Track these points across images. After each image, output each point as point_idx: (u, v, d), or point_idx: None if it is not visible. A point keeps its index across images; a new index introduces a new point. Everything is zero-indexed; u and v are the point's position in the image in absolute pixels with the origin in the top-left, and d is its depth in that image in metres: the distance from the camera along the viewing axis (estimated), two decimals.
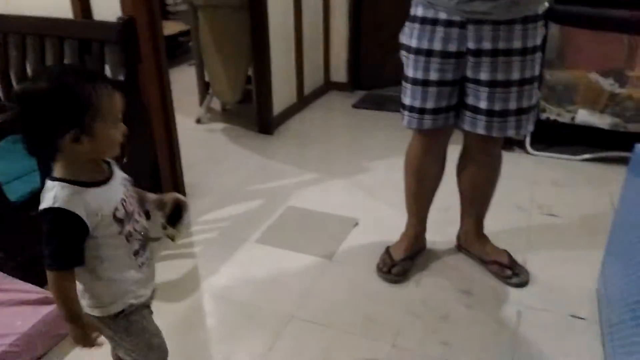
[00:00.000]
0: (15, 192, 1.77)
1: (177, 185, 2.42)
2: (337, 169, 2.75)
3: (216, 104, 3.56)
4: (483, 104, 1.59)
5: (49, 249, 1.01)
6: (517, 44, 1.52)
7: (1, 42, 2.36)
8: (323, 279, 1.91)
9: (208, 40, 3.17)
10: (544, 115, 2.78)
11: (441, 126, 1.69)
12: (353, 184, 2.59)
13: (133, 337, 1.17)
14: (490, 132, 1.64)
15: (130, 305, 1.14)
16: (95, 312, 1.13)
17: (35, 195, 1.78)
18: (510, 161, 2.78)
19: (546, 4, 1.58)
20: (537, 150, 2.85)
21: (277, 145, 3.07)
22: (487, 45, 1.51)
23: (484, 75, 1.55)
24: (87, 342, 1.09)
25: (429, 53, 1.58)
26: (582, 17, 2.70)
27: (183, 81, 3.82)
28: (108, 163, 1.12)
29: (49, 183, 1.03)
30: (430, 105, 1.63)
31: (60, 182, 1.01)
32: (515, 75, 1.54)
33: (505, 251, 1.94)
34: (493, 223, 2.22)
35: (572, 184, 2.54)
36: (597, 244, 1.93)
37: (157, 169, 2.29)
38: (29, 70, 2.34)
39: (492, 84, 1.56)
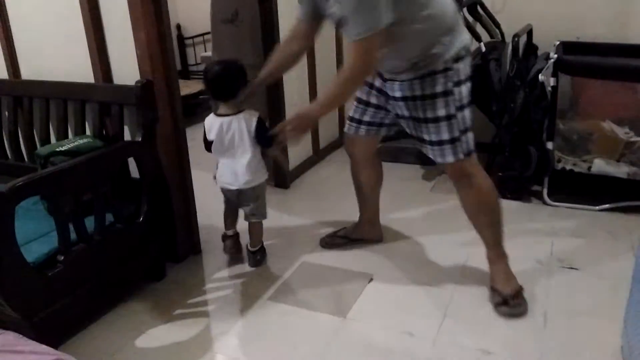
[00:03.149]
0: (32, 253, 1.80)
1: (193, 241, 2.44)
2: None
3: None
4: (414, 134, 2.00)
5: (268, 133, 2.10)
6: (418, 92, 1.86)
7: (27, 106, 2.47)
8: (337, 339, 1.87)
9: None
10: (559, 165, 2.76)
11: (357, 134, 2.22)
12: (367, 245, 2.57)
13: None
14: (432, 157, 1.99)
15: None
16: (266, 175, 2.25)
17: (52, 257, 1.83)
18: (528, 212, 2.77)
19: (445, 62, 1.82)
20: (555, 200, 2.81)
21: (292, 199, 3.09)
22: (398, 94, 1.92)
23: (406, 113, 1.95)
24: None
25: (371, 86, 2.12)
26: (593, 67, 2.72)
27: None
28: None
29: (241, 113, 2.13)
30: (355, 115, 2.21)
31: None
32: (421, 114, 1.89)
33: (513, 283, 2.01)
34: None
35: (592, 235, 2.49)
36: (620, 298, 1.87)
37: (173, 225, 2.31)
38: (52, 133, 2.43)
39: (408, 118, 1.95)
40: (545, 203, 2.81)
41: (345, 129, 2.28)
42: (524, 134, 2.86)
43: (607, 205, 2.72)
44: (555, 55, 2.69)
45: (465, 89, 1.87)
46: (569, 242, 2.43)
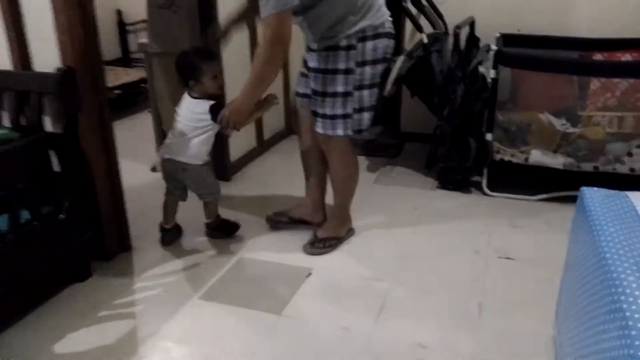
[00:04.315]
0: None
1: (123, 238, 2.32)
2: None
3: None
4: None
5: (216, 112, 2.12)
6: (322, 65, 2.01)
7: None
8: (271, 338, 1.80)
9: (163, 87, 3.12)
10: (498, 156, 2.79)
11: (298, 105, 2.33)
12: (310, 231, 2.51)
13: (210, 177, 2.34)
14: (321, 130, 2.13)
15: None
16: (199, 161, 2.26)
17: None
18: (468, 203, 2.79)
19: (347, 39, 1.96)
20: (494, 191, 2.83)
21: (234, 191, 3.00)
22: (311, 64, 2.07)
23: (312, 85, 2.09)
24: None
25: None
26: (531, 60, 2.75)
27: (143, 128, 3.75)
28: None
29: (196, 100, 2.19)
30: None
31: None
32: (320, 88, 2.03)
33: (330, 232, 2.33)
34: (450, 269, 2.18)
35: (529, 225, 2.52)
36: (554, 287, 1.89)
37: (99, 222, 2.18)
38: None
39: (313, 92, 2.09)
40: (484, 194, 2.84)
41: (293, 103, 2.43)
42: (465, 126, 2.87)
43: (544, 195, 2.76)
44: (496, 48, 2.70)
45: (369, 70, 2.00)
46: (506, 232, 2.45)
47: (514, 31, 3.12)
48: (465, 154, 2.82)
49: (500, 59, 2.69)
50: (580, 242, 1.47)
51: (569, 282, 1.58)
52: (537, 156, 2.70)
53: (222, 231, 2.46)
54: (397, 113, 3.72)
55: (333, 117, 2.04)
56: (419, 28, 2.82)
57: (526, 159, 2.73)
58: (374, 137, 3.68)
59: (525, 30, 3.14)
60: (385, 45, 2.01)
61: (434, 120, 3.10)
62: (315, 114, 2.11)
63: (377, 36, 1.97)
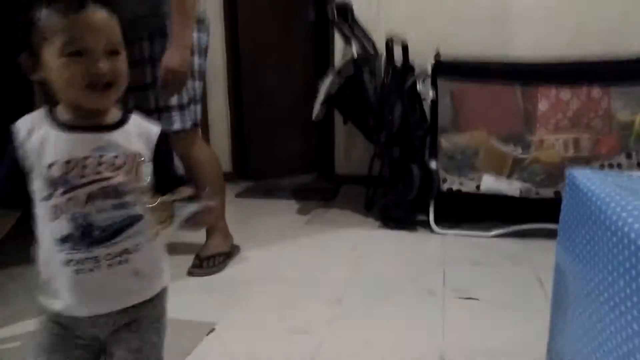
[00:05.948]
0: None
1: None
2: None
3: None
4: None
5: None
6: (147, 54, 1.82)
7: None
8: None
9: None
10: (445, 186, 2.40)
11: None
12: (220, 278, 1.97)
13: None
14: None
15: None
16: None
17: None
18: (415, 242, 2.32)
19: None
20: (443, 228, 2.41)
21: None
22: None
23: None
24: None
25: None
26: (473, 69, 2.46)
27: None
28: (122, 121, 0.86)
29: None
30: None
31: (44, 108, 0.83)
32: (150, 79, 1.82)
33: (214, 248, 2.03)
34: (397, 314, 1.68)
35: (491, 262, 2.08)
36: (530, 330, 1.46)
37: None
38: None
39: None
40: (432, 231, 2.40)
41: None
42: (405, 152, 2.49)
43: (501, 231, 2.35)
44: (434, 61, 2.39)
45: (197, 60, 1.88)
46: (464, 270, 2.00)
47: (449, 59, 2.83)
48: (408, 184, 2.41)
49: (440, 71, 2.38)
50: (587, 239, 1.02)
51: (565, 309, 1.12)
52: (490, 182, 2.33)
53: None
54: (331, 155, 3.33)
55: (169, 109, 1.84)
56: (348, 41, 2.49)
57: (477, 187, 2.35)
58: (307, 183, 3.25)
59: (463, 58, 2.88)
60: (206, 37, 1.95)
61: (369, 157, 2.71)
62: (148, 111, 1.81)
63: (200, 29, 1.88)
